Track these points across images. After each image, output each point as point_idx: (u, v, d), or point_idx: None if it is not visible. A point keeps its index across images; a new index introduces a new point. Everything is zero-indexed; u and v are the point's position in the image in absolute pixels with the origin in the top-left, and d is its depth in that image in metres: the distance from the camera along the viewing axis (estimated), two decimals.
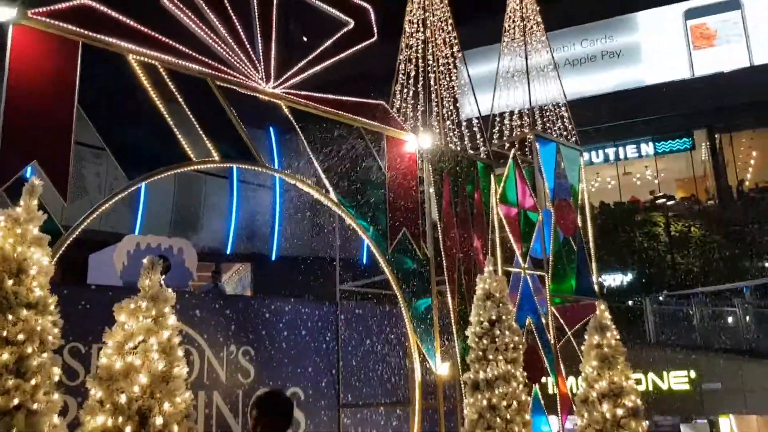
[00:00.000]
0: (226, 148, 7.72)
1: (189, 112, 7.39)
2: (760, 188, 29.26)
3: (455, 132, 10.70)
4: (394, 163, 9.21)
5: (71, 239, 5.61)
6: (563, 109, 12.31)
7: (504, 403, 7.79)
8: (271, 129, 15.88)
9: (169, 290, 4.13)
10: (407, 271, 9.11)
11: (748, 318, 15.57)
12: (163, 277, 4.18)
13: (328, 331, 9.81)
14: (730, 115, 30.95)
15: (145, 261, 4.14)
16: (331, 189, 8.46)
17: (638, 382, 13.93)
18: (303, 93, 8.41)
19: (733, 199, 30.96)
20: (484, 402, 7.85)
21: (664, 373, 15.02)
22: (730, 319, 16.21)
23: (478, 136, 10.71)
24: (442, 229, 9.44)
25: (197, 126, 7.44)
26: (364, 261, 13.57)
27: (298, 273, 13.46)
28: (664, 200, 28.70)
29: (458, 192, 9.93)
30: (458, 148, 10.55)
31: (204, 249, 12.75)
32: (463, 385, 8.44)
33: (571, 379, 11.61)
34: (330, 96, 8.77)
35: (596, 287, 11.93)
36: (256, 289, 14.56)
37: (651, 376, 15.10)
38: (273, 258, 14.89)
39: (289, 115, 8.23)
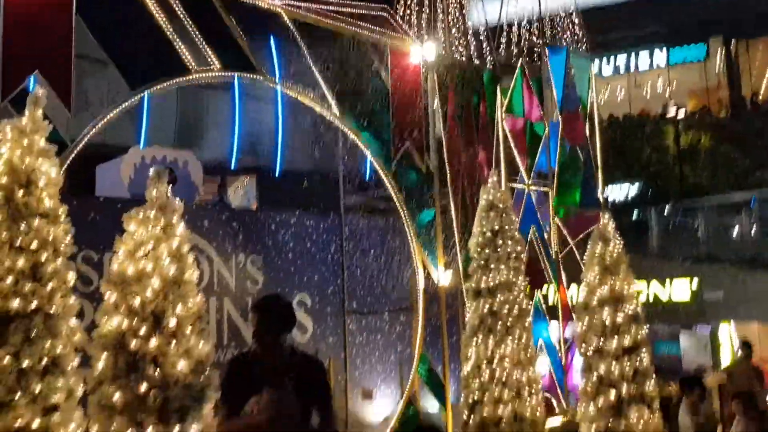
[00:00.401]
0: (226, 59, 7.63)
1: (188, 22, 7.26)
2: None
3: (461, 42, 10.47)
4: (397, 74, 9.07)
5: (77, 151, 5.67)
6: (574, 16, 11.96)
7: (505, 309, 8.01)
8: (272, 40, 15.53)
9: (177, 200, 4.21)
10: (410, 184, 9.16)
11: (753, 229, 15.71)
12: (171, 187, 4.25)
13: (333, 243, 9.99)
14: (748, 23, 29.93)
15: (151, 172, 4.20)
16: (333, 102, 8.39)
17: (639, 292, 14.23)
18: (303, 4, 8.21)
19: (746, 111, 30.44)
20: (486, 308, 8.08)
21: (667, 282, 15.31)
22: (735, 230, 16.37)
23: (485, 45, 10.48)
24: (446, 141, 9.40)
25: (197, 36, 7.33)
26: (368, 174, 13.59)
27: (302, 187, 13.54)
28: (674, 111, 28.28)
29: (464, 103, 9.82)
30: (464, 59, 10.35)
31: (208, 162, 12.76)
32: (465, 293, 8.67)
33: (573, 289, 11.85)
34: (331, 3, 8.54)
35: (601, 199, 11.98)
36: (261, 202, 14.69)
37: (653, 286, 15.39)
38: (277, 172, 14.90)
39: (290, 24, 8.07)
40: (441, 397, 8.57)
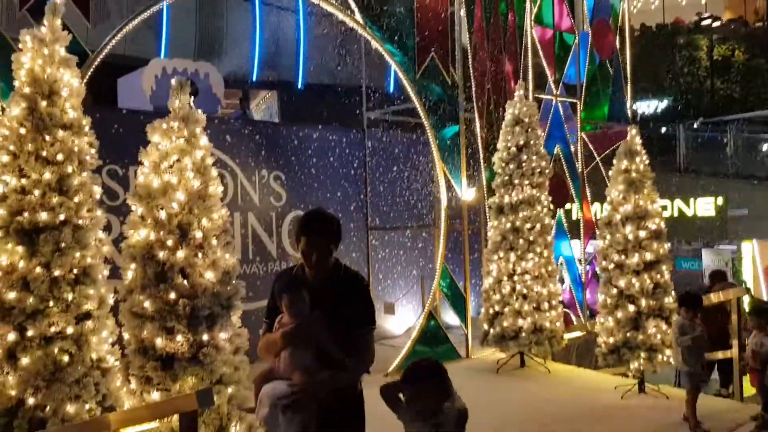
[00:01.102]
0: None
1: None
2: None
3: None
4: None
5: (98, 62, 5.59)
6: None
7: (528, 225, 8.01)
8: None
9: (200, 111, 4.16)
10: (435, 97, 8.98)
11: None
12: (193, 99, 4.19)
13: (356, 158, 9.96)
14: None
15: (173, 82, 4.12)
16: (356, 9, 8.12)
17: (664, 208, 14.11)
18: None
19: None
20: (508, 225, 8.08)
21: (691, 199, 15.14)
22: (765, 147, 15.96)
23: None
24: (472, 53, 9.13)
25: None
26: (392, 88, 13.35)
27: (325, 101, 13.39)
28: (709, 21, 27.04)
29: (491, 12, 9.45)
30: None
31: (229, 75, 12.60)
32: (487, 209, 8.65)
33: (597, 206, 11.76)
34: None
35: (630, 113, 11.70)
36: (283, 117, 14.59)
37: (677, 202, 15.25)
38: (299, 86, 14.68)
39: None
40: (462, 310, 8.73)
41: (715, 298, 7.23)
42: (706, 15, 28.95)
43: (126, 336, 4.06)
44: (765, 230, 14.10)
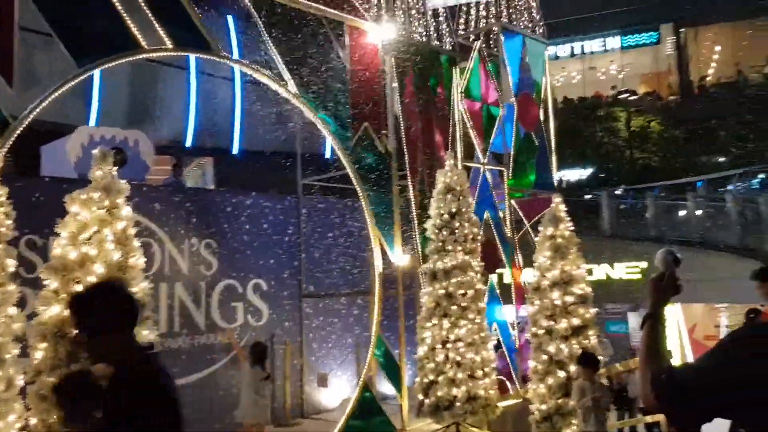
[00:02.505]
0: (179, 36, 7.40)
1: None
2: (722, 84, 29.49)
3: (420, 22, 10.40)
4: (356, 55, 8.97)
5: (22, 129, 5.43)
6: (530, 0, 12.01)
7: (460, 291, 8.09)
8: (229, 18, 15.19)
9: (123, 182, 4.07)
10: (369, 165, 9.12)
11: (699, 211, 16.13)
12: (116, 169, 4.10)
13: (291, 225, 9.92)
14: (697, 9, 30.60)
15: (96, 152, 4.04)
16: (290, 80, 8.25)
17: (590, 272, 14.54)
18: None
19: (693, 95, 31.24)
20: (441, 291, 8.14)
21: (617, 263, 15.66)
22: (682, 213, 16.79)
23: (443, 27, 10.45)
24: (404, 123, 9.37)
25: (148, 11, 7.08)
26: (328, 155, 13.49)
27: (260, 167, 13.38)
28: (626, 95, 28.84)
29: (421, 85, 9.79)
30: (422, 40, 10.30)
31: (162, 142, 12.47)
32: (421, 276, 8.70)
33: (528, 271, 12.03)
34: None
35: (555, 181, 12.15)
36: (218, 183, 14.47)
37: (604, 266, 15.74)
38: (235, 152, 14.66)
39: (247, 2, 7.87)
40: (396, 380, 8.61)
41: (622, 366, 7.41)
42: (623, 89, 30.87)
43: (33, 421, 3.80)
44: (688, 293, 14.62)
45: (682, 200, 16.76)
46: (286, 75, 8.25)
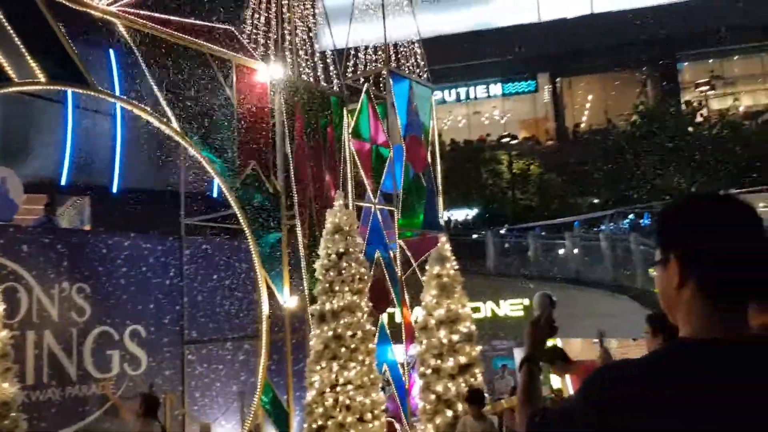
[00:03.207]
0: (54, 70, 7.02)
1: (9, 27, 6.60)
2: (593, 130, 31.71)
3: (309, 63, 10.46)
4: (243, 93, 8.87)
5: None
6: (417, 45, 12.42)
7: (349, 332, 8.02)
8: (111, 52, 14.65)
9: None
10: (257, 204, 8.95)
11: (576, 249, 17.06)
12: None
13: (172, 267, 9.49)
14: (571, 60, 32.98)
15: None
16: (173, 118, 8.00)
17: (477, 309, 14.92)
18: (143, 12, 7.79)
19: (569, 140, 33.39)
20: (330, 332, 8.04)
21: (501, 301, 16.19)
22: (561, 251, 17.67)
23: (332, 68, 10.56)
24: (293, 163, 9.31)
25: (19, 43, 6.68)
26: (215, 194, 13.15)
27: (142, 206, 12.81)
28: (508, 140, 30.40)
29: (311, 125, 9.80)
30: (311, 80, 10.36)
31: (35, 179, 11.69)
32: (310, 317, 8.57)
33: (417, 310, 12.17)
34: (173, 18, 8.20)
35: (442, 221, 12.46)
36: (95, 224, 13.68)
37: (489, 304, 16.22)
38: (114, 190, 13.98)
39: (126, 36, 7.61)
40: (284, 427, 8.36)
41: (507, 403, 7.59)
42: (505, 133, 32.52)
43: None
44: (567, 328, 15.33)
45: (560, 239, 17.66)
46: (169, 112, 8.00)
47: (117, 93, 9.90)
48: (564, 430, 1.37)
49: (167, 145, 12.44)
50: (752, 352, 1.25)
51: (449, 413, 7.01)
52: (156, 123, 7.73)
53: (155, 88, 7.92)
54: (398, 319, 10.94)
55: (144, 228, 10.77)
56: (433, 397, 7.14)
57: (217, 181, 9.69)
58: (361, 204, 10.44)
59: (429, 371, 7.24)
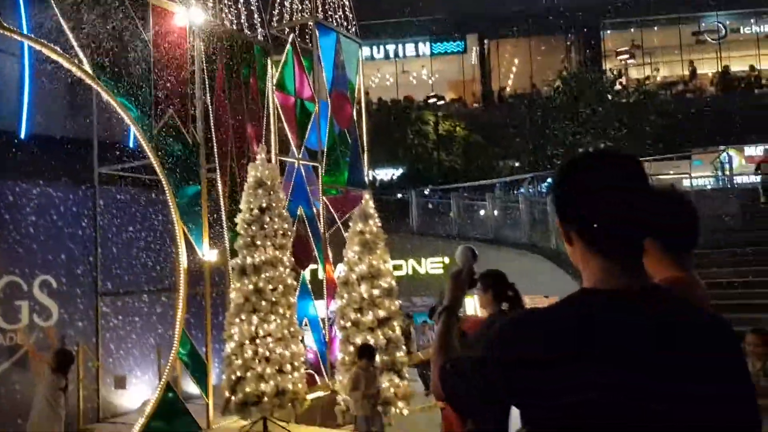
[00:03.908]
0: None
1: None
2: (518, 94, 32.27)
3: (232, 10, 10.10)
4: (160, 37, 8.48)
5: None
6: None
7: (270, 286, 8.00)
8: None
9: None
10: (174, 155, 8.67)
11: (496, 211, 17.52)
12: None
13: (85, 217, 9.15)
14: (499, 23, 33.25)
15: None
16: (85, 60, 7.58)
17: (399, 267, 15.17)
18: None
19: (494, 103, 33.89)
20: (251, 286, 7.99)
21: (423, 259, 16.51)
22: (482, 212, 18.10)
23: (256, 16, 10.24)
24: (214, 113, 9.04)
25: None
26: (131, 143, 12.65)
27: (52, 154, 12.18)
28: (435, 100, 30.55)
29: (233, 75, 9.52)
30: (234, 28, 10.02)
31: None
32: (230, 271, 8.48)
33: (339, 266, 12.23)
34: None
35: (367, 180, 12.47)
36: (1, 170, 12.92)
37: (411, 262, 16.51)
38: (22, 136, 13.21)
39: None
40: (202, 379, 8.31)
41: (424, 355, 7.83)
42: (432, 94, 32.65)
43: None
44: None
45: (481, 201, 18.08)
46: (81, 53, 7.58)
47: (24, 31, 9.28)
48: (473, 378, 1.39)
49: (80, 90, 11.81)
50: (641, 302, 1.30)
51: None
52: (66, 65, 7.31)
53: (65, 27, 7.46)
54: (321, 275, 10.96)
55: (55, 177, 10.28)
56: (352, 348, 7.26)
57: (132, 129, 9.32)
58: (285, 159, 10.29)
59: (349, 324, 7.35)
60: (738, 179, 20.18)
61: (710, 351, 1.28)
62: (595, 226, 1.33)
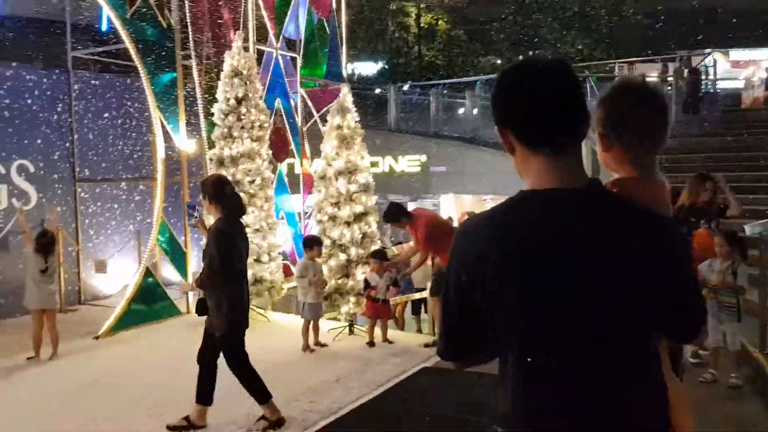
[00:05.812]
0: None
1: None
2: None
3: None
4: None
5: None
6: None
7: (248, 178, 8.09)
8: None
9: None
10: (149, 40, 8.45)
11: (475, 109, 17.41)
12: None
13: (60, 102, 9.01)
14: None
15: None
16: None
17: (375, 164, 15.26)
18: None
19: None
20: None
21: (400, 156, 16.58)
22: (460, 110, 17.98)
23: None
24: None
25: None
26: (104, 27, 12.22)
27: (25, 35, 11.79)
28: None
29: None
30: None
31: None
32: (208, 162, 8.52)
33: (317, 161, 12.28)
34: None
35: (346, 73, 12.29)
36: None
37: (388, 159, 16.58)
38: None
39: None
40: (182, 266, 8.55)
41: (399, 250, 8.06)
42: None
43: None
44: (460, 185, 16.11)
45: (461, 98, 17.95)
46: None
47: None
48: (447, 278, 1.47)
49: None
50: (578, 200, 1.37)
51: (342, 257, 7.42)
52: None
53: None
54: (298, 170, 11.03)
55: (28, 59, 10.01)
56: (328, 242, 7.49)
57: (105, 11, 9.00)
58: (262, 48, 10.07)
59: (326, 218, 7.54)
60: (720, 84, 20.03)
61: (640, 245, 1.36)
62: (525, 128, 1.39)
